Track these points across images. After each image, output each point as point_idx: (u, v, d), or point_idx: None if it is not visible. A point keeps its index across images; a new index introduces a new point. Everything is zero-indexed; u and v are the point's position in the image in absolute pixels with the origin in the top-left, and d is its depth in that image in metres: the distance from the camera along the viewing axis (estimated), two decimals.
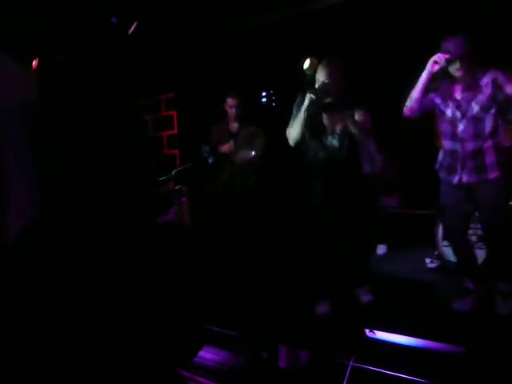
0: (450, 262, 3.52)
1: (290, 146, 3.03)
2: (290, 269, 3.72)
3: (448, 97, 2.66)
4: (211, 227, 4.14)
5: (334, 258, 3.03)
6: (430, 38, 2.74)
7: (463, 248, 2.86)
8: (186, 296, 1.48)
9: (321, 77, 2.87)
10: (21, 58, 4.23)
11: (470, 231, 3.24)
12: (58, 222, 1.33)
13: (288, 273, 3.64)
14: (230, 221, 3.88)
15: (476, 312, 2.70)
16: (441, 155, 2.81)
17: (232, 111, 3.89)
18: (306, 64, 3.27)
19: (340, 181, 2.90)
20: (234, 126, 3.96)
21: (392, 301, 3.02)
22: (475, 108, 2.56)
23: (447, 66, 2.58)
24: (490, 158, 2.58)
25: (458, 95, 2.63)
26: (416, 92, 2.69)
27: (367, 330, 2.53)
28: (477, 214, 2.87)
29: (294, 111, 2.97)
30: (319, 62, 2.97)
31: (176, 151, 5.66)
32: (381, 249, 4.29)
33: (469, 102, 2.58)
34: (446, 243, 3.58)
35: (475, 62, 2.56)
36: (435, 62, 2.57)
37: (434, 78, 2.64)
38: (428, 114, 2.81)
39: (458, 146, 2.64)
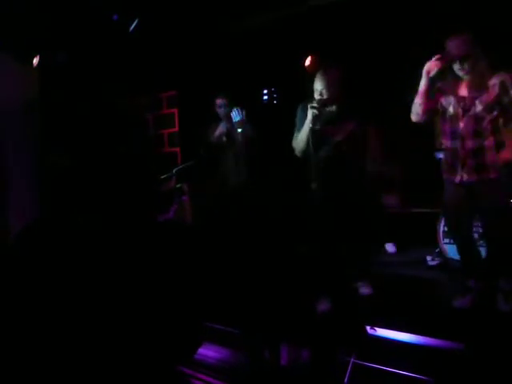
0: (450, 259, 3.53)
1: (290, 145, 3.05)
2: (291, 267, 3.72)
3: (452, 94, 2.65)
4: (212, 225, 4.15)
5: (334, 256, 3.04)
6: (431, 36, 2.73)
7: (467, 246, 2.85)
8: (185, 294, 1.49)
9: (319, 87, 2.88)
10: (22, 57, 4.23)
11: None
12: (58, 221, 1.33)
13: (288, 271, 3.64)
14: (229, 219, 3.90)
15: (476, 309, 2.70)
16: (443, 155, 2.81)
17: (221, 111, 4.01)
18: (307, 62, 3.28)
19: (342, 179, 2.91)
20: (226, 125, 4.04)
21: (393, 298, 3.02)
22: (478, 107, 2.55)
23: (451, 65, 2.57)
24: (490, 157, 2.58)
25: (463, 92, 2.62)
26: (419, 98, 2.68)
27: (368, 327, 2.53)
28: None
29: (298, 124, 3.00)
30: (318, 65, 2.98)
31: (177, 149, 5.67)
32: (390, 247, 4.30)
33: (473, 100, 2.57)
34: (446, 241, 3.59)
35: (483, 62, 2.55)
36: (428, 72, 2.58)
37: (434, 81, 2.64)
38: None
39: (458, 144, 2.64)
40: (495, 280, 2.70)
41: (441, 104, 2.71)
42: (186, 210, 4.80)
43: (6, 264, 1.24)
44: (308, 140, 2.87)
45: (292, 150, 3.07)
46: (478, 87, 2.57)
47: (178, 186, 4.73)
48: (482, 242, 3.31)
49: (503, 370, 2.09)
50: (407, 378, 2.14)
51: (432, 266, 3.69)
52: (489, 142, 2.57)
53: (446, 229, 3.58)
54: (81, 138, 4.60)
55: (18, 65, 4.24)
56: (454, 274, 3.25)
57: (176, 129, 5.67)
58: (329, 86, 2.84)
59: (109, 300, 1.28)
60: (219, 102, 4.01)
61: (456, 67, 2.58)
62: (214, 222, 4.15)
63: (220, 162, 4.04)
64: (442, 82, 2.70)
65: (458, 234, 2.86)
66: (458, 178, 2.67)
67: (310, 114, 2.81)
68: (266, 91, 5.32)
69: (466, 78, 2.60)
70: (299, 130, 2.97)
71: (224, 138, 3.96)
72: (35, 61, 4.28)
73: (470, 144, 2.59)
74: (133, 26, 4.34)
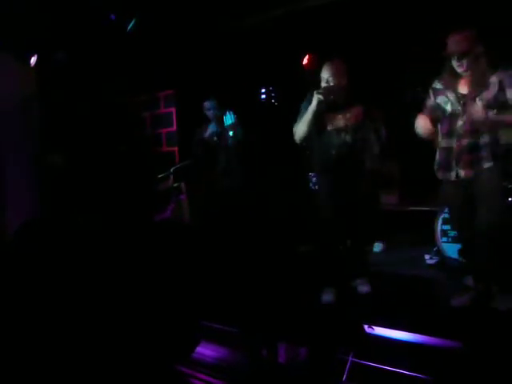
0: (448, 258, 3.53)
1: (289, 144, 3.05)
2: (289, 265, 3.73)
3: (450, 91, 2.65)
4: (209, 224, 4.15)
5: (336, 250, 3.07)
6: (430, 34, 2.72)
7: (472, 245, 2.83)
8: (183, 292, 1.49)
9: (325, 75, 2.92)
10: (21, 56, 4.23)
11: None
12: (58, 221, 1.33)
13: (286, 269, 3.64)
14: (226, 218, 3.92)
15: (475, 308, 2.71)
16: (437, 155, 2.80)
17: (210, 113, 4.10)
18: (305, 60, 3.29)
19: (350, 176, 2.93)
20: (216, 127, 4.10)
21: (391, 297, 3.02)
22: (478, 104, 2.54)
23: (450, 62, 2.57)
24: (485, 153, 2.57)
25: (464, 90, 2.61)
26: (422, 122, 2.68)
27: (366, 326, 2.53)
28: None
29: (303, 109, 3.01)
30: (319, 59, 3.00)
31: (175, 148, 5.66)
32: (377, 246, 4.29)
33: (474, 97, 2.55)
34: (444, 239, 3.59)
35: (483, 59, 2.54)
36: None
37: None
38: None
39: (453, 143, 2.63)
40: (494, 279, 2.70)
41: (438, 105, 2.70)
42: (183, 208, 4.80)
43: (5, 263, 1.24)
44: (309, 126, 2.90)
45: (291, 149, 3.07)
46: (478, 85, 2.55)
47: (176, 185, 4.73)
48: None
49: (501, 368, 2.09)
50: (405, 376, 2.14)
51: (430, 265, 3.70)
52: (485, 139, 2.57)
53: (444, 227, 3.58)
54: (79, 137, 4.59)
55: (17, 64, 4.23)
56: (453, 272, 3.26)
57: (174, 128, 5.67)
58: (335, 73, 2.89)
59: (107, 299, 1.28)
60: (207, 104, 4.10)
61: (455, 63, 2.57)
62: (211, 220, 4.16)
63: (215, 161, 4.07)
64: (439, 79, 2.70)
65: (464, 233, 2.85)
66: (453, 175, 2.66)
67: (315, 99, 2.84)
68: (263, 90, 5.32)
69: (465, 74, 2.59)
70: (302, 116, 2.99)
71: (215, 138, 4.01)
72: (32, 60, 4.27)
73: (466, 141, 2.59)
74: (130, 26, 4.34)
